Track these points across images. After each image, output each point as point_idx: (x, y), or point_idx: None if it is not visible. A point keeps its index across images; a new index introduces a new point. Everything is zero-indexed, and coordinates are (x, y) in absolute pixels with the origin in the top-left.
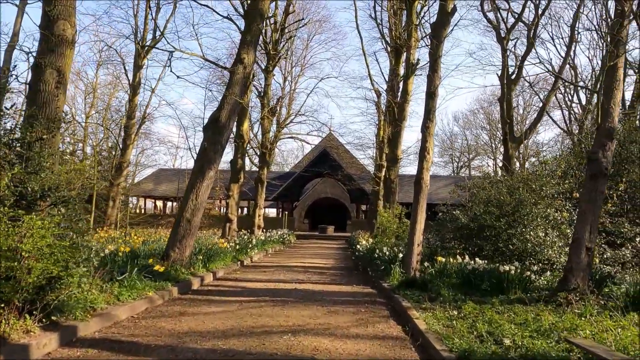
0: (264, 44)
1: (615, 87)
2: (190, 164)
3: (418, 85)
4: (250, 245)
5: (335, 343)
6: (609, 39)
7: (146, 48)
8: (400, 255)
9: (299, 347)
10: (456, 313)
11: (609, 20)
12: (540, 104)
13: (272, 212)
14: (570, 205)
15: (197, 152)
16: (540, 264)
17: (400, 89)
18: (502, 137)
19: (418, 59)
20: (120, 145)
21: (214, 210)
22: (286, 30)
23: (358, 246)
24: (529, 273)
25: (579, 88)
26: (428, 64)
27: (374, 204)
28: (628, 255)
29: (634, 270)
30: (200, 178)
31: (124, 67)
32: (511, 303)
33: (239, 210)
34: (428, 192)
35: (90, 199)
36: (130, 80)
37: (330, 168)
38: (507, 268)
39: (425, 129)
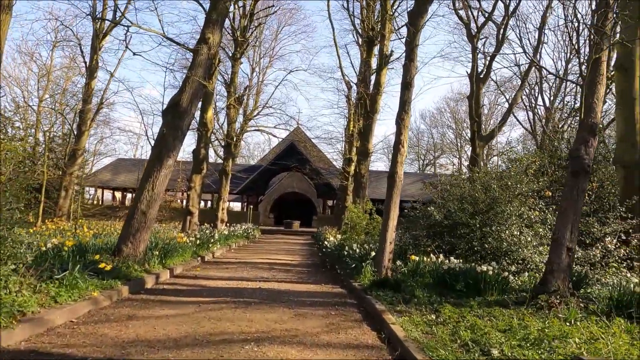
0: (232, 29)
1: (598, 82)
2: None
3: (389, 79)
4: (212, 240)
5: (305, 353)
6: (593, 32)
7: (105, 29)
8: (373, 253)
9: (262, 359)
10: (434, 317)
11: (593, 15)
12: (506, 104)
13: (236, 205)
14: (543, 203)
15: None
16: (516, 264)
17: (373, 81)
18: (470, 136)
19: (392, 51)
20: (75, 132)
21: (175, 202)
22: (255, 17)
23: (326, 242)
24: (506, 274)
25: (547, 85)
26: (402, 56)
27: (342, 200)
28: (598, 255)
29: (604, 270)
30: (158, 166)
31: (81, 49)
32: (490, 305)
33: (202, 203)
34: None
35: (40, 187)
36: (87, 63)
37: (298, 162)
38: (484, 268)
39: (401, 120)
